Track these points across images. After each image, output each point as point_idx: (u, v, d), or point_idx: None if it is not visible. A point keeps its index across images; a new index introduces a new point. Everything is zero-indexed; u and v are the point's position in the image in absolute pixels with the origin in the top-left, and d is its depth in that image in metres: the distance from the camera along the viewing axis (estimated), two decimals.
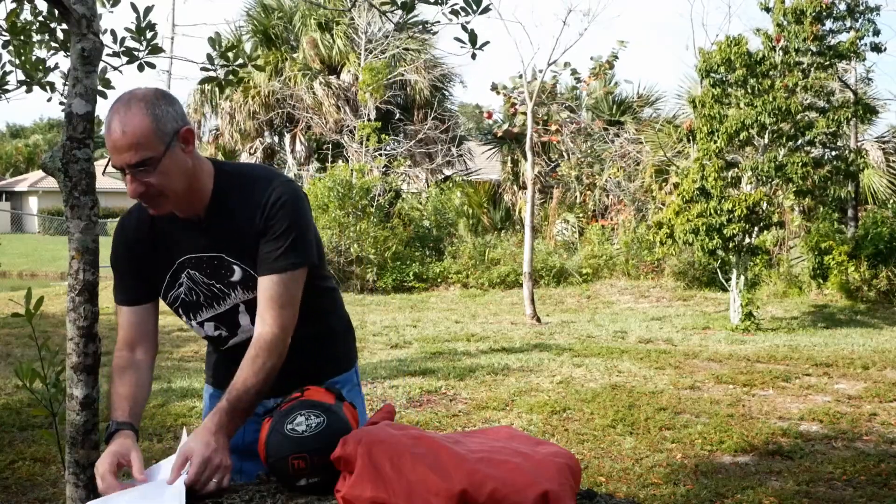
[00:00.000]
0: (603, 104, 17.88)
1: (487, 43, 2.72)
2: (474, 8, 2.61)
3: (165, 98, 1.72)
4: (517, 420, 5.19)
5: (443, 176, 17.99)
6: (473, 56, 2.77)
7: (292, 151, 17.62)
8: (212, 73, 3.08)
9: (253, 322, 1.87)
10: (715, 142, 9.39)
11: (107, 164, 1.76)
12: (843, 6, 9.81)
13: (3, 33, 3.03)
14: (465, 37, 2.68)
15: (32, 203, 38.62)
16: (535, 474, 1.44)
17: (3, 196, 40.15)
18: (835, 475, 4.14)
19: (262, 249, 1.80)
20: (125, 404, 1.81)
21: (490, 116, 20.08)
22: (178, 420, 5.11)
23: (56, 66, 3.11)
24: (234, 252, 1.84)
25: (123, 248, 1.92)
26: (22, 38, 2.99)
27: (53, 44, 3.01)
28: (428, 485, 1.42)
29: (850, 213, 13.17)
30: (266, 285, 1.80)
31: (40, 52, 3.06)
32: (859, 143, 12.99)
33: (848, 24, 9.88)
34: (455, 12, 2.63)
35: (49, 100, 3.12)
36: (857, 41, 9.67)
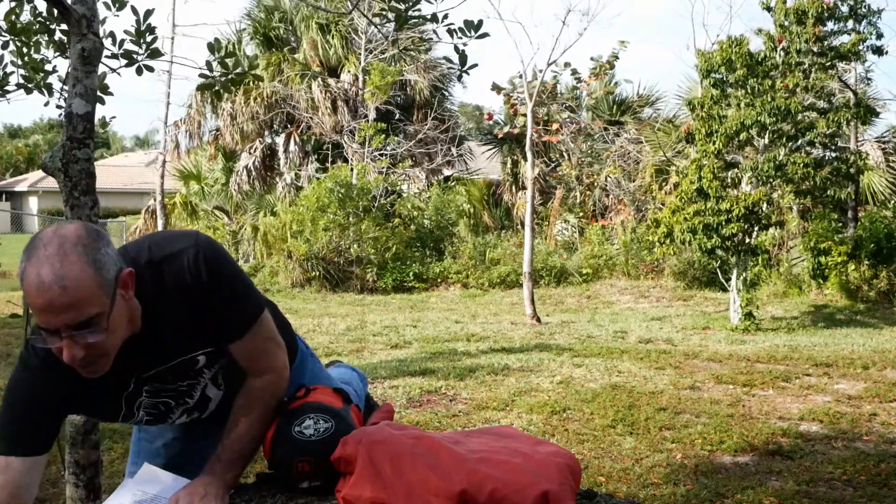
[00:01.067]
0: (603, 104, 17.88)
1: (475, 65, 2.72)
2: (471, 33, 2.61)
3: (101, 238, 1.44)
4: (517, 420, 5.19)
5: (443, 176, 17.99)
6: (460, 77, 2.79)
7: (286, 152, 17.61)
8: (210, 80, 3.07)
9: (218, 389, 1.76)
10: (713, 143, 9.39)
11: (27, 325, 1.54)
12: (845, 8, 9.80)
13: (4, 34, 3.03)
14: (456, 56, 2.69)
15: (32, 203, 38.61)
16: (536, 474, 1.44)
17: (3, 196, 40.14)
18: (835, 475, 4.14)
19: (216, 320, 1.62)
20: None
21: (490, 118, 20.09)
22: None
23: (55, 69, 3.11)
24: (189, 344, 1.64)
25: (45, 387, 1.55)
26: (23, 38, 2.99)
27: (55, 43, 3.01)
28: (428, 485, 1.42)
29: (849, 213, 13.17)
30: (244, 348, 1.65)
31: (47, 52, 3.05)
32: (859, 144, 12.99)
33: (850, 25, 9.86)
34: (451, 32, 2.64)
35: (46, 104, 3.10)
36: (859, 43, 9.67)
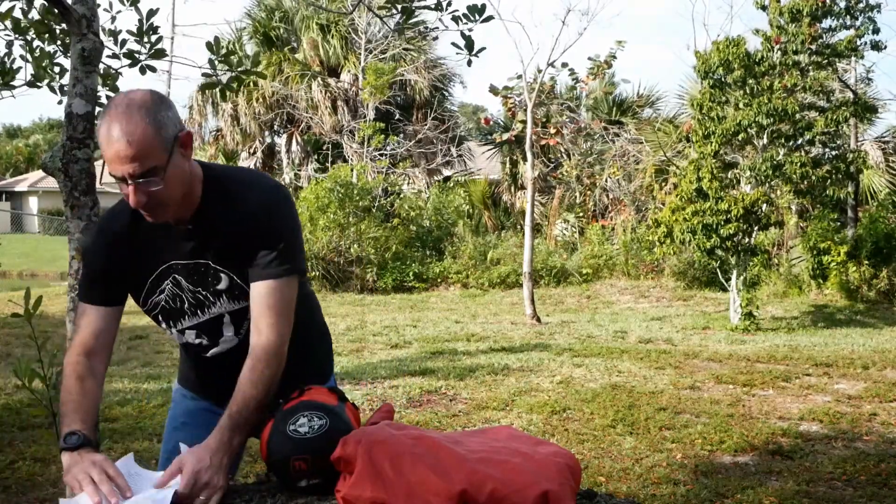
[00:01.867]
0: (602, 104, 17.89)
1: (484, 49, 2.73)
2: (476, 17, 2.61)
3: (164, 102, 1.65)
4: (517, 420, 5.19)
5: (443, 176, 17.99)
6: (469, 63, 2.78)
7: (288, 152, 17.63)
8: (213, 79, 3.07)
9: (236, 333, 1.85)
10: (711, 143, 9.40)
11: (102, 171, 1.72)
12: (842, 4, 9.79)
13: (8, 32, 3.03)
14: (462, 43, 2.69)
15: (32, 203, 38.61)
16: (536, 474, 1.44)
17: (3, 196, 40.13)
18: (835, 475, 4.14)
19: (257, 258, 1.75)
20: (88, 418, 1.70)
21: (488, 122, 20.11)
22: None
23: (63, 70, 3.10)
24: (220, 259, 1.78)
25: (104, 247, 1.83)
26: (30, 35, 2.98)
27: (56, 42, 3.01)
28: (428, 485, 1.42)
29: (849, 213, 13.17)
30: (261, 292, 1.75)
31: (55, 45, 3.04)
32: (859, 144, 12.99)
33: (847, 21, 9.85)
34: (456, 19, 2.64)
35: (60, 102, 3.09)
36: (857, 39, 9.66)
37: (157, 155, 1.61)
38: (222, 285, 1.80)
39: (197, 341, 1.89)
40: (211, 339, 1.88)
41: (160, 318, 1.89)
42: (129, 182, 1.61)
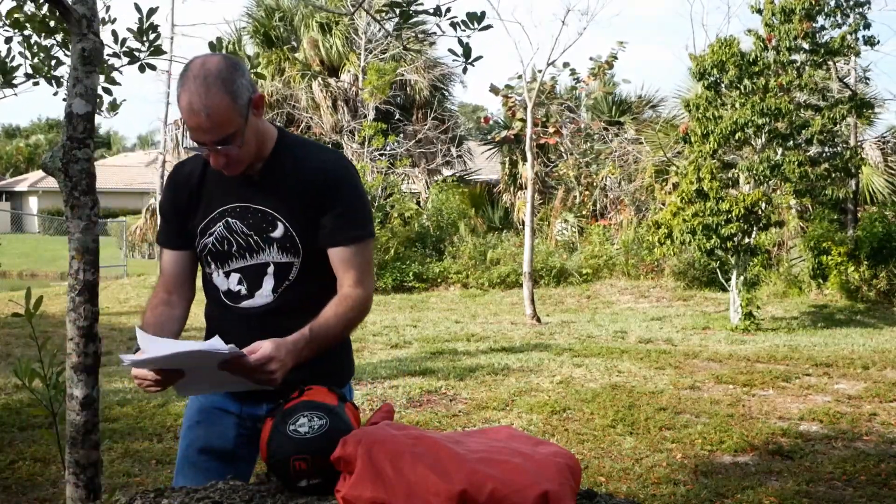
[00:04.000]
0: (602, 104, 17.88)
1: (480, 57, 2.71)
2: (475, 25, 2.60)
3: (238, 69, 1.75)
4: (517, 420, 5.19)
5: (442, 176, 17.99)
6: (465, 70, 2.77)
7: None
8: None
9: (274, 290, 1.90)
10: (709, 144, 9.40)
11: (183, 138, 1.78)
12: (832, 2, 9.78)
13: (7, 28, 3.03)
14: (460, 49, 2.68)
15: (32, 203, 38.60)
16: (536, 474, 1.44)
17: (3, 196, 40.12)
18: (835, 475, 4.14)
19: (327, 221, 1.85)
20: (150, 330, 1.84)
21: (487, 122, 20.10)
22: (178, 420, 5.11)
23: (61, 62, 3.09)
24: (280, 209, 1.87)
25: (171, 194, 1.98)
26: (28, 31, 2.98)
27: (57, 39, 3.01)
28: (428, 485, 1.42)
29: (849, 213, 13.17)
30: (341, 257, 1.86)
31: (54, 39, 3.04)
32: (858, 143, 12.98)
33: (839, 19, 9.84)
34: (454, 25, 2.62)
35: (55, 94, 3.10)
36: (849, 36, 9.66)
37: (234, 122, 1.74)
38: (277, 233, 1.88)
39: (237, 288, 1.93)
40: (250, 288, 1.92)
41: (209, 258, 1.95)
42: (210, 148, 1.76)
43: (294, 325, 1.79)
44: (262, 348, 1.68)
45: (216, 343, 1.63)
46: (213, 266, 1.95)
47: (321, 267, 1.88)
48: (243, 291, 1.93)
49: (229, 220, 1.90)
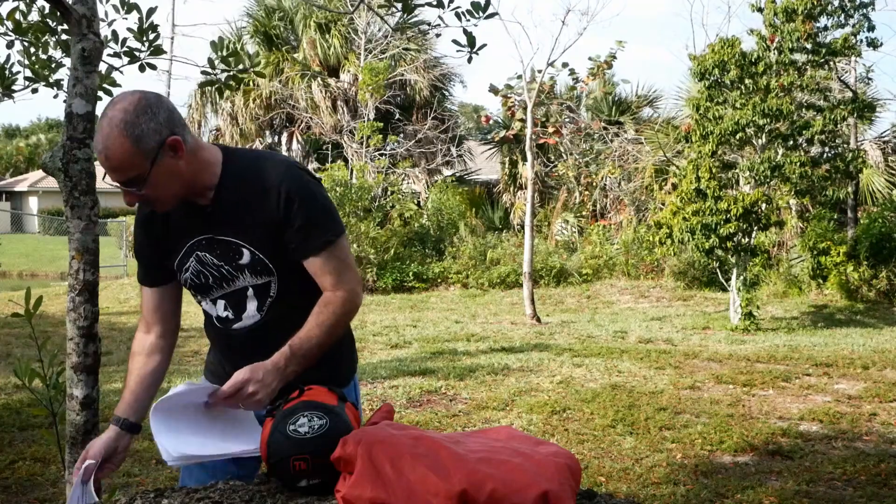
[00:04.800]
0: (602, 104, 17.88)
1: (485, 45, 2.69)
2: (480, 14, 2.58)
3: (147, 111, 1.70)
4: (517, 420, 5.19)
5: (442, 176, 17.99)
6: (469, 60, 2.75)
7: (287, 151, 17.63)
8: (212, 77, 3.07)
9: (258, 310, 1.93)
10: (709, 143, 9.41)
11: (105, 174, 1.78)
12: (835, 2, 9.77)
13: (9, 33, 3.03)
14: (463, 39, 2.66)
15: (32, 203, 38.60)
16: (535, 474, 1.44)
17: (3, 196, 40.12)
18: (835, 475, 4.14)
19: (291, 237, 1.84)
20: (126, 398, 1.92)
21: (487, 121, 20.10)
22: None
23: (62, 64, 3.10)
24: (242, 235, 1.87)
25: (142, 234, 1.99)
26: (29, 37, 2.98)
27: (59, 42, 3.01)
28: (428, 485, 1.42)
29: (849, 213, 13.16)
30: (314, 265, 1.86)
31: (54, 52, 3.04)
32: (859, 143, 12.99)
33: (842, 20, 9.84)
34: (458, 15, 2.61)
35: (55, 96, 3.10)
36: (852, 37, 9.66)
37: (136, 165, 1.70)
38: (244, 260, 1.88)
39: (225, 314, 1.97)
40: (236, 312, 1.95)
41: (192, 291, 1.99)
42: (120, 188, 1.76)
43: (285, 337, 1.83)
44: (237, 374, 1.72)
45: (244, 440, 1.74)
46: (198, 297, 2.00)
47: (300, 277, 1.89)
48: (231, 316, 1.97)
49: (199, 253, 1.91)
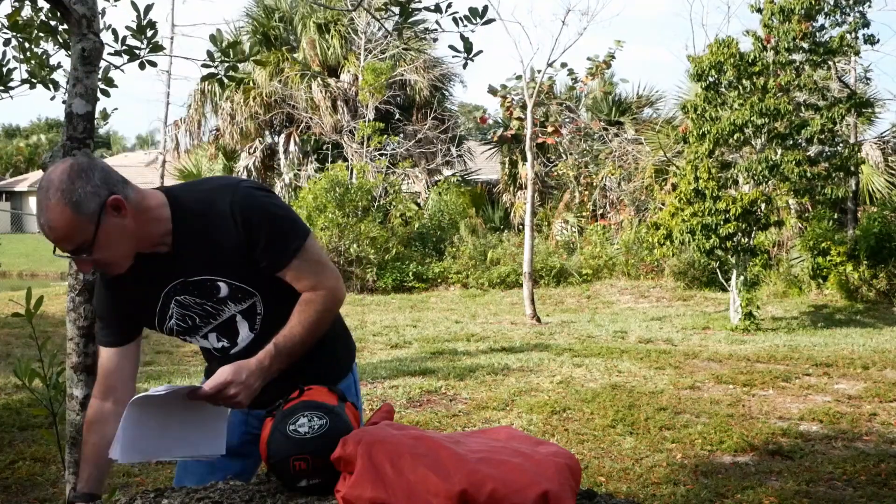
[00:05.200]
0: (602, 104, 17.88)
1: (481, 52, 2.70)
2: (477, 20, 2.59)
3: (81, 175, 1.66)
4: (517, 420, 5.19)
5: (442, 176, 17.99)
6: (465, 65, 2.76)
7: (286, 151, 17.61)
8: (213, 70, 3.07)
9: (251, 329, 1.92)
10: (706, 143, 9.41)
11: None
12: (831, 1, 9.77)
13: (6, 30, 3.03)
14: (461, 45, 2.67)
15: (32, 203, 38.48)
16: (535, 474, 1.44)
17: (3, 196, 40.11)
18: (835, 475, 4.14)
19: (259, 256, 1.81)
20: (86, 470, 1.89)
21: (484, 122, 20.09)
22: None
23: (59, 65, 3.11)
24: (213, 270, 1.85)
25: (107, 293, 1.92)
26: (24, 35, 2.98)
27: (58, 39, 3.01)
28: (428, 485, 1.42)
29: (849, 213, 13.15)
30: (290, 274, 1.85)
31: (47, 45, 3.05)
32: (858, 142, 12.97)
33: (839, 18, 9.83)
34: (456, 21, 2.61)
35: (52, 98, 3.11)
36: (848, 35, 9.66)
37: (81, 231, 1.67)
38: (223, 293, 1.87)
39: (219, 344, 1.97)
40: (230, 339, 1.96)
41: (183, 336, 1.97)
42: (71, 257, 1.74)
43: None
44: (220, 374, 1.72)
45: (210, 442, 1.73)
46: (189, 338, 1.98)
47: (282, 286, 1.88)
48: (226, 344, 1.97)
49: (177, 298, 1.89)
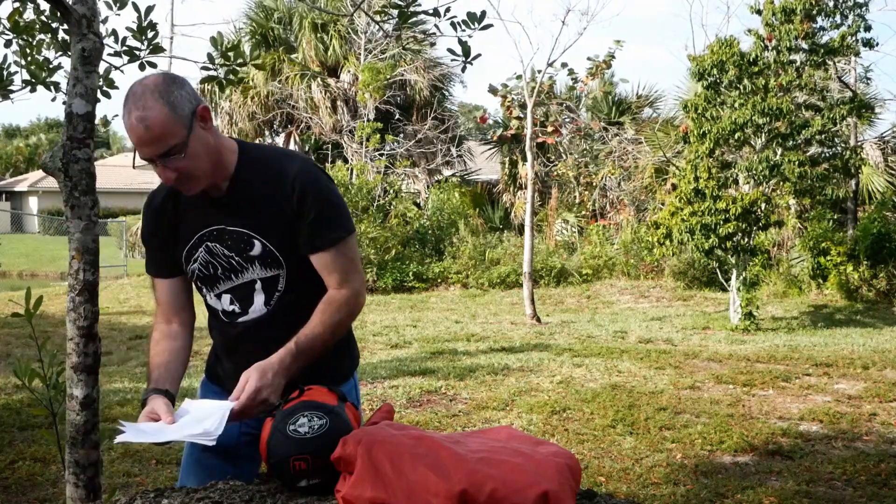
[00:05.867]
0: (602, 104, 17.88)
1: (479, 56, 2.69)
2: (475, 25, 2.59)
3: (176, 82, 1.75)
4: (517, 420, 5.19)
5: (442, 176, 18.00)
6: (463, 69, 2.75)
7: None
8: (212, 73, 3.08)
9: (266, 303, 1.93)
10: (707, 142, 9.41)
11: (134, 157, 1.79)
12: (830, 2, 9.78)
13: (7, 33, 3.03)
14: (459, 49, 2.66)
15: (32, 203, 38.60)
16: (535, 474, 1.44)
17: (3, 196, 40.13)
18: (835, 475, 4.14)
19: (302, 230, 1.86)
20: (155, 373, 1.90)
21: (484, 121, 20.09)
22: None
23: (59, 66, 3.10)
24: (254, 227, 1.88)
25: (151, 224, 1.99)
26: (25, 37, 2.98)
27: (57, 43, 3.01)
28: (428, 485, 1.42)
29: (849, 213, 13.15)
30: (322, 260, 1.87)
31: (48, 53, 3.05)
32: (859, 143, 12.98)
33: (839, 20, 9.84)
34: (454, 25, 2.61)
35: (53, 99, 3.11)
36: (848, 37, 9.66)
37: (175, 133, 1.71)
38: (255, 251, 1.89)
39: (231, 308, 1.97)
40: (242, 306, 1.96)
41: (198, 284, 1.98)
42: (157, 163, 1.74)
43: (292, 330, 1.85)
44: (248, 383, 1.73)
45: (207, 425, 1.68)
46: (204, 290, 1.99)
47: (308, 271, 1.91)
48: (237, 310, 1.97)
49: (208, 244, 1.91)
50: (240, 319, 1.97)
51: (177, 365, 1.95)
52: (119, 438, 1.70)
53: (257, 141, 18.07)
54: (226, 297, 1.96)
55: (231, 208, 1.88)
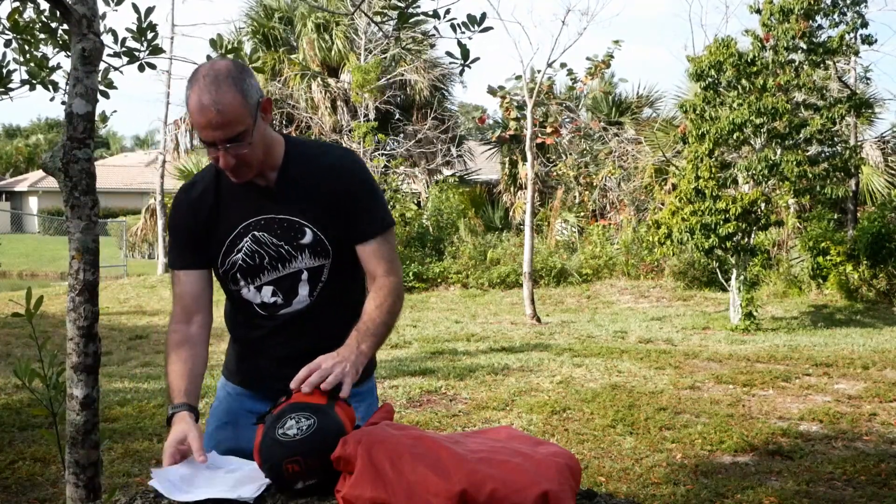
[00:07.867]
0: (602, 104, 17.89)
1: (478, 59, 2.70)
2: (475, 27, 2.59)
3: (246, 71, 1.78)
4: (517, 420, 5.19)
5: (442, 176, 18.00)
6: (462, 72, 2.76)
7: None
8: None
9: (310, 294, 1.93)
10: (706, 143, 9.41)
11: (192, 136, 1.79)
12: (829, 1, 9.78)
13: (6, 32, 3.03)
14: (457, 52, 2.67)
15: (32, 203, 38.60)
16: (535, 474, 1.44)
17: (3, 196, 40.12)
18: (835, 475, 4.14)
19: (350, 220, 1.88)
20: (181, 383, 1.83)
21: (483, 121, 20.10)
22: None
23: (59, 66, 3.11)
24: (305, 214, 1.89)
25: (187, 213, 1.95)
26: (24, 36, 2.99)
27: (57, 41, 3.01)
28: (428, 485, 1.42)
29: (849, 213, 13.15)
30: (369, 249, 1.90)
31: (45, 49, 3.05)
32: (858, 143, 12.98)
33: (837, 18, 9.84)
34: (454, 27, 2.61)
35: (52, 99, 3.11)
36: (847, 35, 9.66)
37: (244, 120, 1.74)
38: (306, 239, 1.90)
39: (272, 300, 1.94)
40: (286, 297, 1.94)
41: (238, 275, 1.94)
42: (219, 147, 1.75)
43: (330, 322, 1.89)
44: (316, 362, 1.65)
45: (244, 492, 1.57)
46: (242, 282, 1.94)
47: (349, 262, 1.93)
48: (279, 301, 1.94)
49: (255, 233, 1.90)
50: (281, 311, 1.94)
51: (198, 375, 1.88)
52: (151, 484, 1.64)
53: None
54: (267, 290, 1.94)
55: (280, 197, 1.89)
